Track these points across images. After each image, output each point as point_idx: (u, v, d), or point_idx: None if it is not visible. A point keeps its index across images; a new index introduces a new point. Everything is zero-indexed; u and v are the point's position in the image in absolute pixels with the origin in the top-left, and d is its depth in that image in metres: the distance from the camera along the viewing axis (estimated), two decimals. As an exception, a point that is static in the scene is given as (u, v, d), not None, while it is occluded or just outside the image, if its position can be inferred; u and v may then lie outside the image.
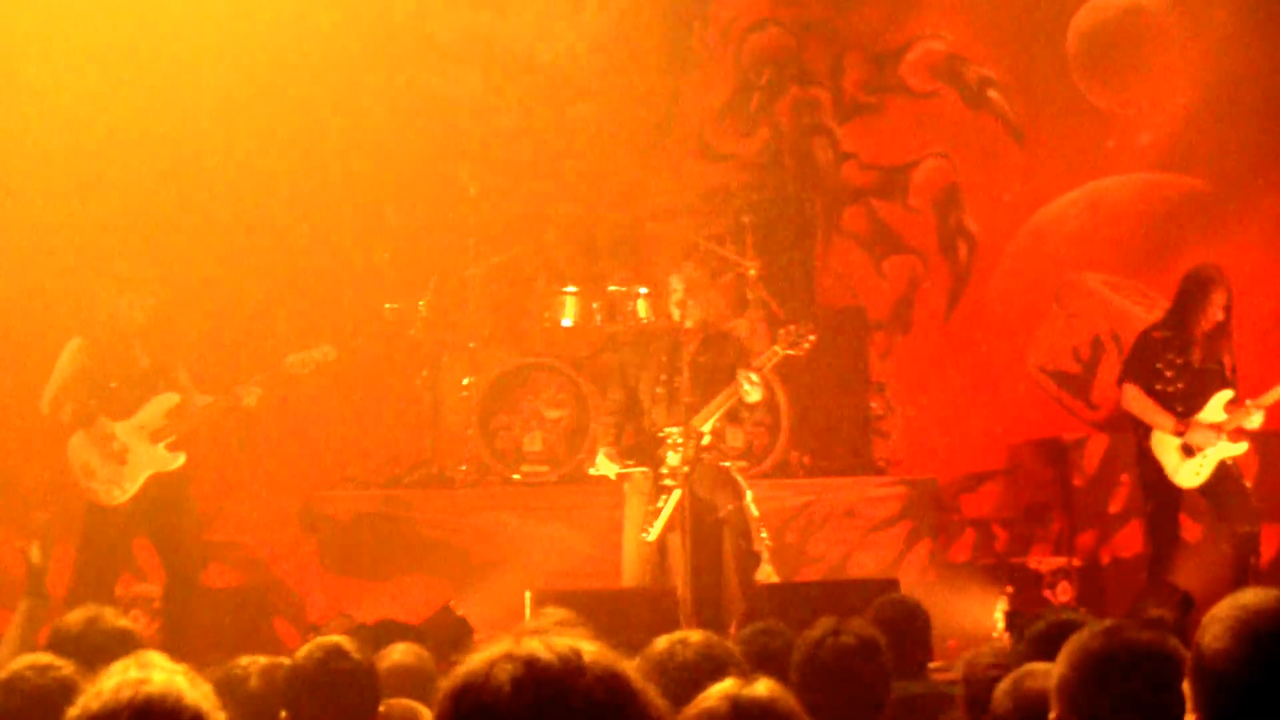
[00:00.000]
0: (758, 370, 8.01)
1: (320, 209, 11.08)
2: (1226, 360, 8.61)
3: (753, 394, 7.95)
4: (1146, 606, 7.67)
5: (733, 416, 8.18)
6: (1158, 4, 11.44)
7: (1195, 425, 8.45)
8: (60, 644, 4.33)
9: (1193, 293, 8.58)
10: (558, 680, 1.96)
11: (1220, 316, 8.53)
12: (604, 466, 8.21)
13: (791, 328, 8.14)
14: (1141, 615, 7.67)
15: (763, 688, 2.83)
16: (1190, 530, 9.24)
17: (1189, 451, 8.47)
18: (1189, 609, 7.57)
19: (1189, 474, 8.48)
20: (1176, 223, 11.28)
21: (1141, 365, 8.58)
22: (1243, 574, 8.33)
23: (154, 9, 10.55)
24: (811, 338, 8.08)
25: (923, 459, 10.76)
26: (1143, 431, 8.59)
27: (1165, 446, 8.49)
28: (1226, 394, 8.52)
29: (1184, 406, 8.49)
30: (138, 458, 7.91)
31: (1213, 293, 8.53)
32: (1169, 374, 8.50)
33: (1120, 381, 8.73)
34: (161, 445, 7.95)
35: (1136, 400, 8.53)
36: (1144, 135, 11.50)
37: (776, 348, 8.13)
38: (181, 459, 7.97)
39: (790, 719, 2.78)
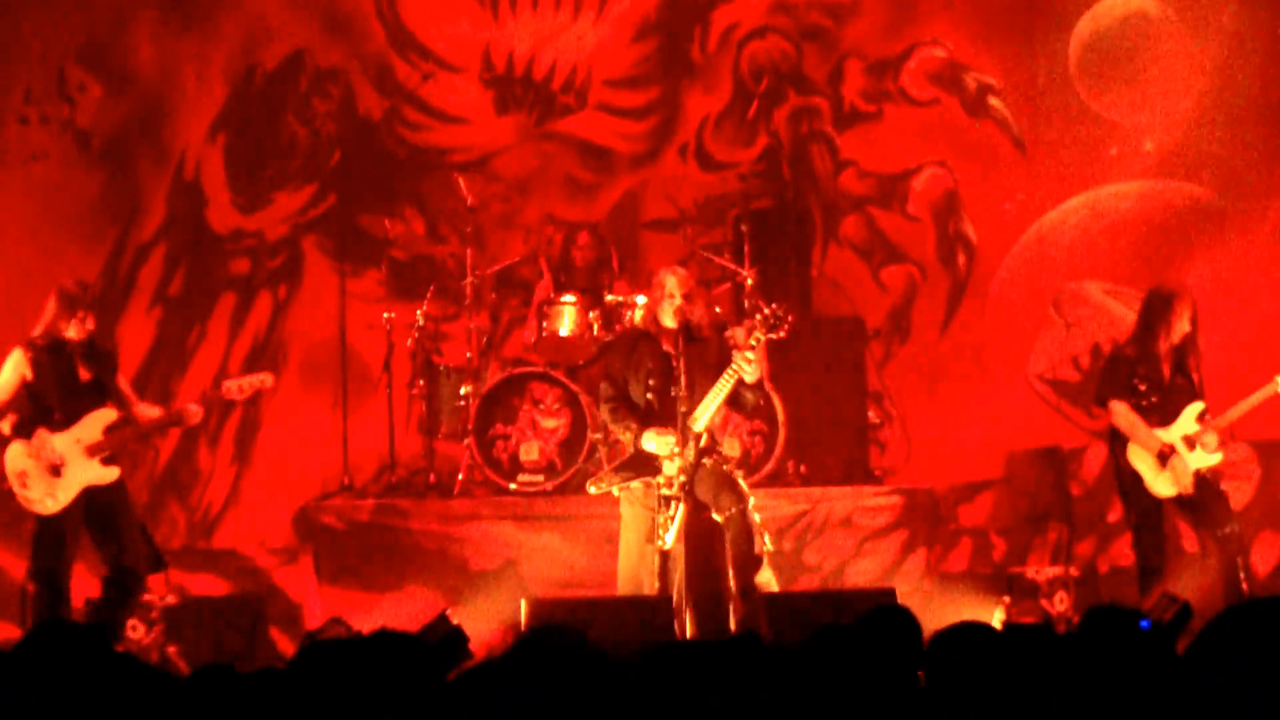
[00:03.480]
0: (745, 357, 8.06)
1: (319, 219, 11.25)
2: (1195, 375, 8.79)
3: (750, 372, 8.02)
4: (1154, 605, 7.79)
5: (734, 401, 8.21)
6: (1160, 10, 11.58)
7: (1168, 434, 8.66)
8: None
9: (1157, 308, 8.85)
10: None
11: (1187, 329, 8.72)
12: (658, 444, 8.15)
13: (768, 311, 8.19)
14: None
15: None
16: (1190, 539, 9.37)
17: (1165, 460, 8.65)
18: (1188, 618, 7.69)
19: (1166, 483, 8.68)
20: (1179, 231, 11.43)
21: (1118, 382, 8.77)
22: (1233, 576, 8.48)
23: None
24: (790, 319, 8.16)
25: (920, 468, 10.92)
26: (1118, 444, 8.77)
27: (1141, 456, 8.72)
28: (1198, 406, 8.74)
29: (1158, 420, 8.67)
30: (72, 471, 8.22)
31: (1176, 306, 8.74)
32: (1143, 388, 8.74)
33: (1102, 400, 8.96)
34: (97, 459, 8.26)
35: (1125, 416, 8.75)
36: (1147, 142, 11.64)
37: (758, 333, 8.20)
38: (115, 473, 8.30)
39: None
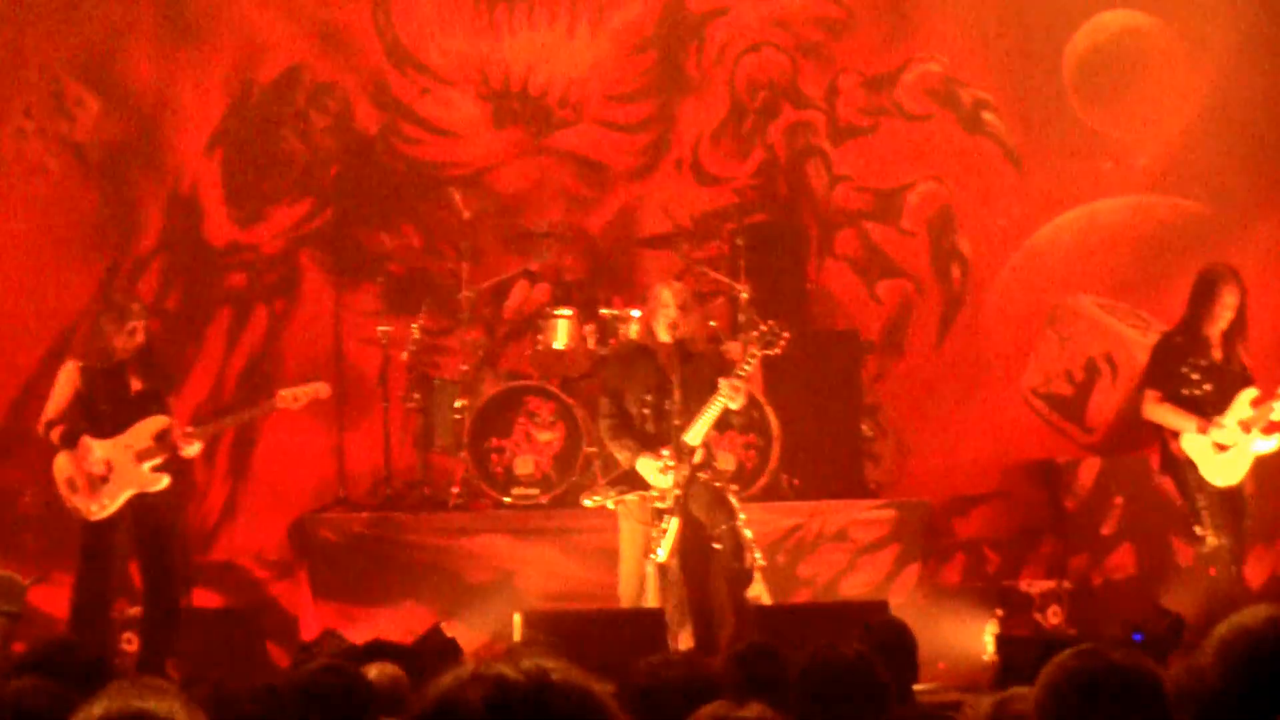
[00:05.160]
0: (739, 376, 8.14)
1: (315, 234, 11.27)
2: (1245, 359, 8.71)
3: (735, 400, 8.08)
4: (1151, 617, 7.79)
5: (720, 425, 8.31)
6: (1154, 26, 11.64)
7: (1218, 424, 8.51)
8: None
9: (1203, 292, 8.72)
10: (528, 700, 2.00)
11: (1233, 314, 8.63)
12: (653, 470, 8.21)
13: (764, 328, 8.25)
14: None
15: (753, 711, 2.91)
16: (1184, 554, 9.37)
17: (1222, 448, 8.53)
18: (1180, 631, 7.69)
19: (1227, 471, 8.56)
20: (1172, 246, 11.46)
21: (1163, 371, 8.69)
22: (1222, 595, 8.41)
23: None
24: (786, 335, 8.21)
25: (914, 482, 10.93)
26: (1167, 437, 8.65)
27: (1199, 447, 8.56)
28: (1251, 391, 8.64)
29: (1211, 408, 8.62)
30: (120, 476, 8.27)
31: (1222, 290, 8.65)
32: (1195, 376, 8.62)
33: (1141, 388, 8.80)
34: (146, 466, 8.29)
35: (1155, 407, 8.63)
36: (1140, 157, 11.67)
37: (753, 350, 8.25)
38: (165, 481, 8.33)
39: None
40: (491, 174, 11.50)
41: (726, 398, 8.10)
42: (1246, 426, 8.59)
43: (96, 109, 11.33)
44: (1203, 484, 8.63)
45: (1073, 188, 11.67)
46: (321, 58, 11.51)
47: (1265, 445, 8.62)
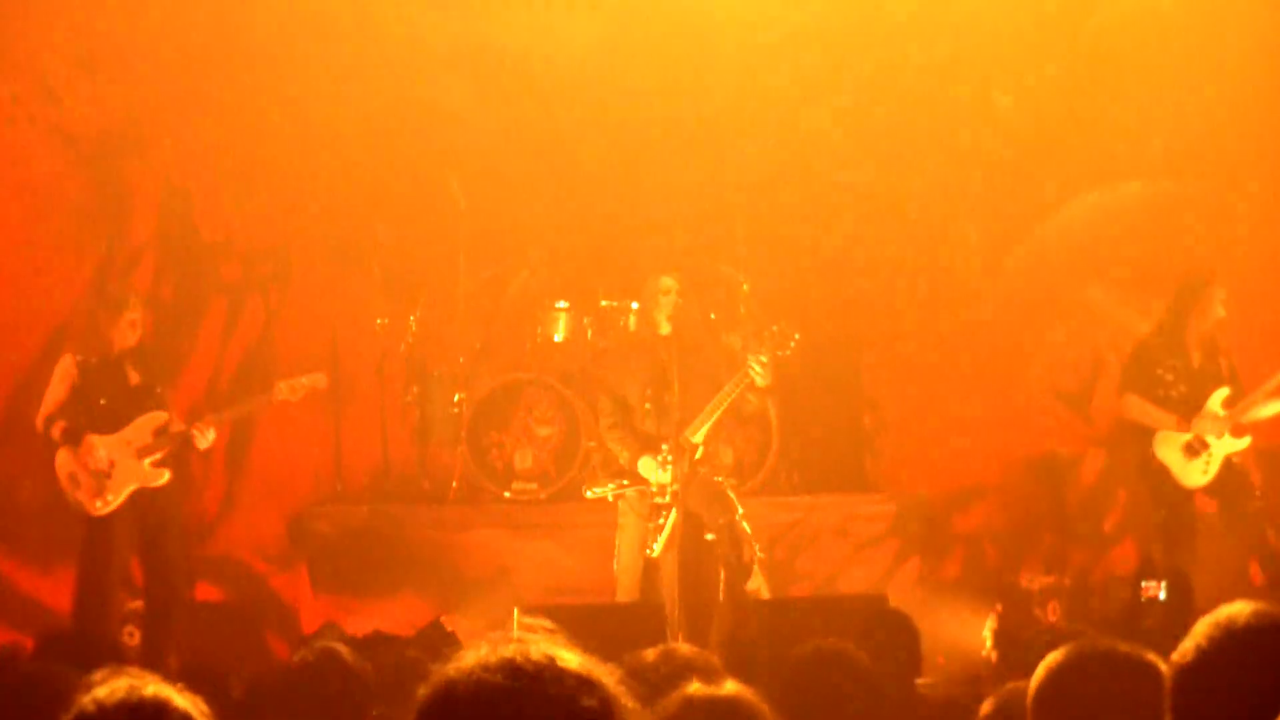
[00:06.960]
0: (760, 362, 8.20)
1: (311, 225, 11.30)
2: (1223, 360, 8.85)
3: (763, 377, 8.16)
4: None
5: (737, 410, 8.36)
6: (1170, 10, 11.65)
7: (1199, 416, 8.66)
8: None
9: (1187, 294, 8.86)
10: (537, 685, 2.06)
11: (1221, 314, 8.78)
12: (651, 470, 8.35)
13: (775, 328, 8.35)
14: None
15: (729, 689, 2.99)
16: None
17: (1193, 450, 8.69)
18: (1188, 589, 7.74)
19: (1196, 472, 8.74)
20: (1185, 233, 11.46)
21: (1140, 373, 8.86)
22: (1263, 547, 8.58)
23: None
24: (796, 336, 8.30)
25: (914, 475, 10.98)
26: (1145, 440, 8.80)
27: (1169, 449, 8.79)
28: (1224, 391, 8.80)
29: (1186, 409, 8.80)
30: (122, 472, 8.48)
31: (1210, 292, 8.82)
32: (1169, 378, 8.85)
33: (1120, 392, 8.95)
34: (147, 461, 8.52)
35: (1136, 406, 8.84)
36: (1154, 143, 11.66)
37: (763, 351, 8.33)
38: (166, 476, 8.55)
39: (753, 716, 2.95)
40: (488, 159, 11.51)
41: (753, 371, 8.19)
42: (1223, 419, 8.76)
43: (88, 96, 11.36)
44: (1173, 494, 8.81)
45: (1084, 172, 11.71)
46: (315, 41, 11.52)
47: (1235, 444, 8.85)
